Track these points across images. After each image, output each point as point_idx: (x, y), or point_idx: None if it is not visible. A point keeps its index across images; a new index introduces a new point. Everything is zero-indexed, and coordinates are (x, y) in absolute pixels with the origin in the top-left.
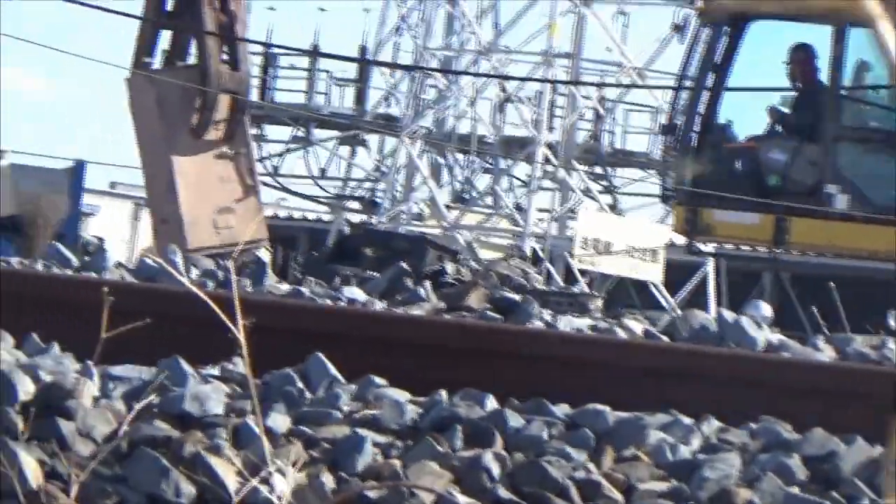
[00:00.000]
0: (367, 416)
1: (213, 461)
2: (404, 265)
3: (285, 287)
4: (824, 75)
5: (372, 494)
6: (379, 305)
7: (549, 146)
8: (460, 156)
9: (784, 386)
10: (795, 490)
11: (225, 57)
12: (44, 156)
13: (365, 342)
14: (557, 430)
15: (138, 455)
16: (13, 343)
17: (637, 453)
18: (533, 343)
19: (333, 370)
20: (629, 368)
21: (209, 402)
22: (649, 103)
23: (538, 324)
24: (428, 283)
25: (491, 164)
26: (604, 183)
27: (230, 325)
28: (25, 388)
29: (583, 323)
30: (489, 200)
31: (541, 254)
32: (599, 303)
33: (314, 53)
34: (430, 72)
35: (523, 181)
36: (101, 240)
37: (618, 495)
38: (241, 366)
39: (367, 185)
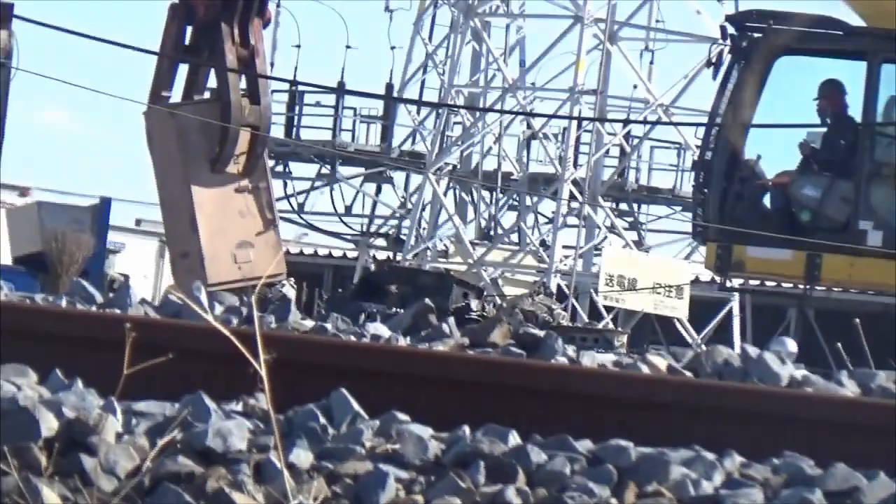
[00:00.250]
0: (389, 451)
1: (236, 497)
2: (429, 302)
3: (309, 323)
4: (854, 111)
5: None
6: (403, 342)
7: (575, 183)
8: (486, 192)
9: (807, 421)
10: None
11: (244, 89)
12: (70, 193)
13: (388, 378)
14: (580, 466)
15: (161, 491)
16: (36, 379)
17: (659, 489)
18: (556, 379)
19: (356, 406)
20: (653, 404)
21: (232, 438)
22: (675, 140)
23: (562, 360)
24: (452, 320)
25: (516, 200)
26: (629, 219)
27: (252, 360)
28: (48, 424)
29: (607, 359)
30: (514, 237)
31: (566, 290)
32: (624, 339)
33: (340, 91)
34: (455, 109)
35: (549, 218)
36: (126, 276)
37: None
38: (263, 401)
39: (393, 221)
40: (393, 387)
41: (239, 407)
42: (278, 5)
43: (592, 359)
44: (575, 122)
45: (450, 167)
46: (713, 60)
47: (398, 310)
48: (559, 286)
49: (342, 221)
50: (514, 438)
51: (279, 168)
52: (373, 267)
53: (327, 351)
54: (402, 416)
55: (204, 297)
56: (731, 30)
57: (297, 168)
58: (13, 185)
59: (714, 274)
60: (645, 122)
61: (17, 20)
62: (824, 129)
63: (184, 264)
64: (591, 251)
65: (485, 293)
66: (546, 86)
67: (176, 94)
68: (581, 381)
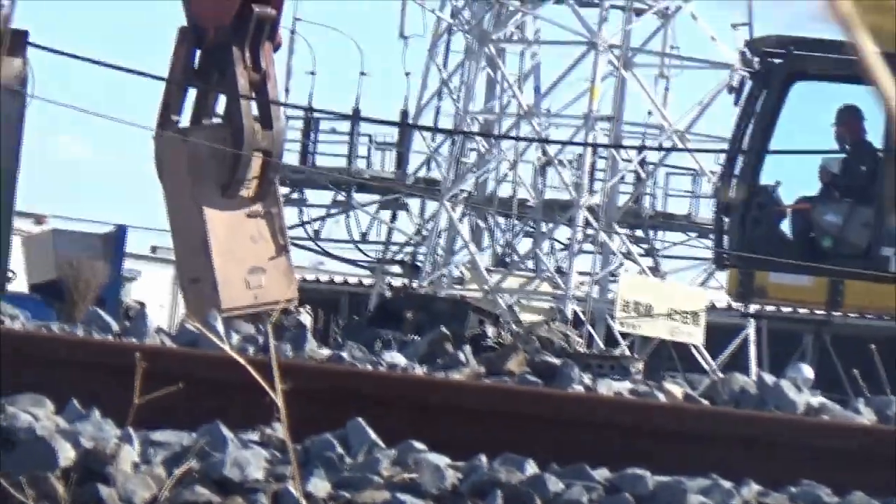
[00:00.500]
0: (406, 480)
1: None
2: (445, 330)
3: (326, 352)
4: (872, 136)
5: None
6: (419, 370)
7: (591, 209)
8: (501, 219)
9: (823, 449)
10: None
11: (256, 114)
12: (85, 221)
13: (405, 407)
14: (597, 495)
15: None
16: (53, 409)
17: None
18: (572, 407)
19: (373, 435)
20: (669, 433)
21: (249, 468)
22: (690, 166)
23: (578, 388)
24: (468, 348)
25: (532, 227)
26: (645, 246)
27: (268, 389)
28: (66, 454)
29: (623, 386)
30: (530, 264)
31: (582, 317)
32: (640, 366)
33: (355, 118)
34: (471, 135)
35: (564, 244)
36: (142, 304)
37: None
38: (280, 431)
39: (408, 248)
40: (410, 416)
41: (256, 436)
42: (293, 32)
43: (609, 387)
44: (590, 149)
45: (465, 194)
46: (734, 86)
47: (414, 337)
48: (575, 313)
49: (358, 248)
50: (532, 467)
51: (294, 195)
52: (388, 294)
53: (344, 380)
54: (419, 445)
55: (220, 326)
56: (750, 55)
57: (312, 195)
58: (29, 212)
59: (735, 300)
60: (660, 148)
61: (32, 48)
62: (842, 156)
63: (195, 290)
64: (607, 277)
65: (501, 320)
66: (561, 112)
67: (183, 118)
68: (597, 409)
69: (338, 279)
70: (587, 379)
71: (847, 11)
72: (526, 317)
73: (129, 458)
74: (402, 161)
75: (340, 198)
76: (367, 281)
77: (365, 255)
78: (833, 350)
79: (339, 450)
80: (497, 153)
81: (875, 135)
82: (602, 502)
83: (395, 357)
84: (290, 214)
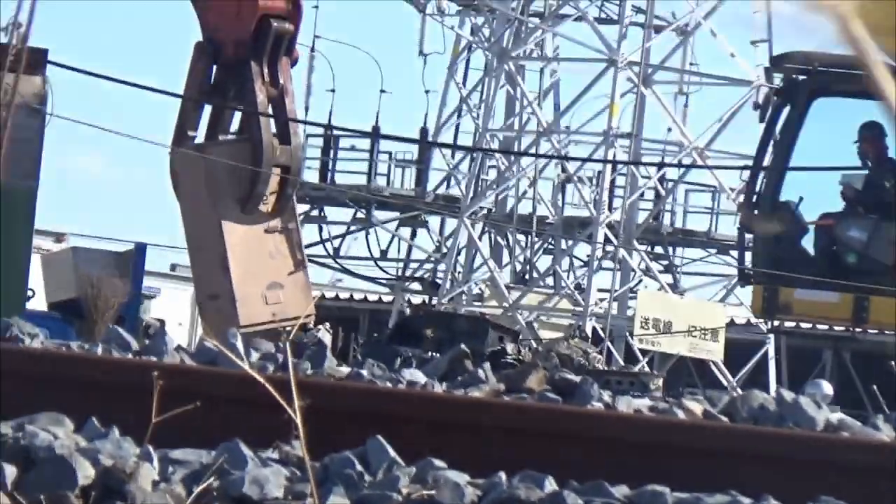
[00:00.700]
0: (425, 497)
1: None
2: (464, 347)
3: (345, 369)
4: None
5: None
6: (439, 388)
7: (610, 226)
8: (521, 236)
9: (842, 466)
10: None
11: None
12: (105, 238)
13: (425, 425)
14: None
15: None
16: (73, 427)
17: None
18: (591, 424)
19: (392, 452)
20: (689, 450)
21: (269, 486)
22: (710, 183)
23: (598, 405)
24: (487, 365)
25: (551, 244)
26: (664, 262)
27: (286, 407)
28: (85, 472)
29: (642, 403)
30: (550, 280)
31: (601, 334)
32: (660, 382)
33: (375, 135)
34: (490, 153)
35: (584, 261)
36: (161, 322)
37: None
38: (300, 448)
39: (428, 265)
40: (429, 433)
41: (275, 454)
42: (312, 50)
43: (628, 404)
44: (609, 166)
45: (485, 211)
46: (760, 103)
47: (434, 354)
48: (594, 329)
49: (377, 266)
50: (551, 484)
51: (314, 213)
52: (408, 311)
53: (363, 398)
54: (439, 463)
55: (240, 344)
56: (774, 72)
57: (332, 212)
58: (48, 230)
59: (760, 316)
60: (680, 165)
61: (52, 66)
62: (865, 172)
63: (213, 306)
64: (627, 294)
65: (520, 337)
66: (580, 129)
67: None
68: (617, 426)
69: (357, 296)
70: (607, 396)
71: (860, 34)
72: (545, 334)
73: (148, 477)
74: (421, 178)
75: (360, 215)
76: (386, 298)
77: (385, 272)
78: (852, 366)
79: (359, 467)
80: (517, 170)
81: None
82: None
83: (415, 374)
84: (309, 232)
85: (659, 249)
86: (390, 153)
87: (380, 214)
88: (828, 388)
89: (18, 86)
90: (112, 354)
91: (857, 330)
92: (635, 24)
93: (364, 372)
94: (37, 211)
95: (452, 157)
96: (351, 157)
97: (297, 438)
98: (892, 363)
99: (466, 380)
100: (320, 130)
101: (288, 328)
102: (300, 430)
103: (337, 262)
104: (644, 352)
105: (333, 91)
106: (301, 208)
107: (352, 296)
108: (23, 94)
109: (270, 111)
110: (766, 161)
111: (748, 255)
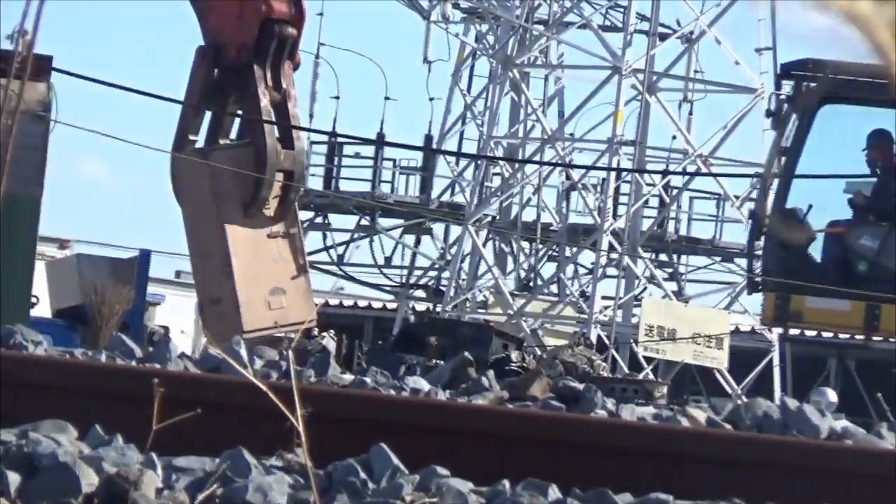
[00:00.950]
0: None
1: None
2: (468, 355)
3: (349, 377)
4: None
5: None
6: (442, 395)
7: (614, 233)
8: (525, 243)
9: (846, 473)
10: None
11: (277, 133)
12: (109, 245)
13: (428, 432)
14: None
15: None
16: (76, 434)
17: None
18: (595, 432)
19: (396, 460)
20: (693, 458)
21: (272, 493)
22: (714, 190)
23: (602, 413)
24: (491, 373)
25: (556, 251)
26: (669, 270)
27: (289, 415)
28: (88, 480)
29: (646, 411)
30: (554, 288)
31: (606, 341)
32: (664, 390)
33: (379, 142)
34: (494, 160)
35: (588, 268)
36: (166, 329)
37: None
38: (303, 456)
39: (432, 273)
40: (433, 441)
41: (279, 462)
42: (317, 57)
43: (632, 412)
44: (614, 173)
45: (489, 218)
46: (772, 110)
47: (438, 361)
48: (599, 337)
49: (382, 273)
50: (555, 492)
51: (319, 220)
52: (412, 318)
53: (367, 405)
54: (442, 471)
55: (244, 352)
56: (784, 79)
57: (336, 220)
58: (53, 237)
59: (771, 325)
60: (684, 172)
61: (56, 73)
62: (870, 180)
63: (215, 310)
64: (631, 302)
65: (524, 344)
66: (585, 136)
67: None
68: (621, 434)
69: (362, 304)
70: (611, 404)
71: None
72: (550, 341)
73: (152, 484)
74: (426, 185)
75: (365, 222)
76: (390, 305)
77: (389, 279)
78: (857, 374)
79: (363, 475)
80: (521, 178)
81: None
82: None
83: (419, 382)
84: (314, 239)
85: (663, 257)
86: (394, 160)
87: (384, 222)
88: (832, 396)
89: (23, 93)
90: (116, 362)
91: (865, 338)
92: (640, 32)
93: (368, 379)
94: (41, 218)
95: (457, 164)
96: (355, 164)
97: (299, 446)
98: (895, 370)
99: (470, 387)
100: (325, 138)
101: (290, 335)
102: (303, 437)
103: (341, 270)
104: (648, 359)
105: (338, 98)
106: (305, 215)
107: (356, 303)
108: (27, 100)
109: (273, 115)
110: (777, 168)
111: (756, 263)
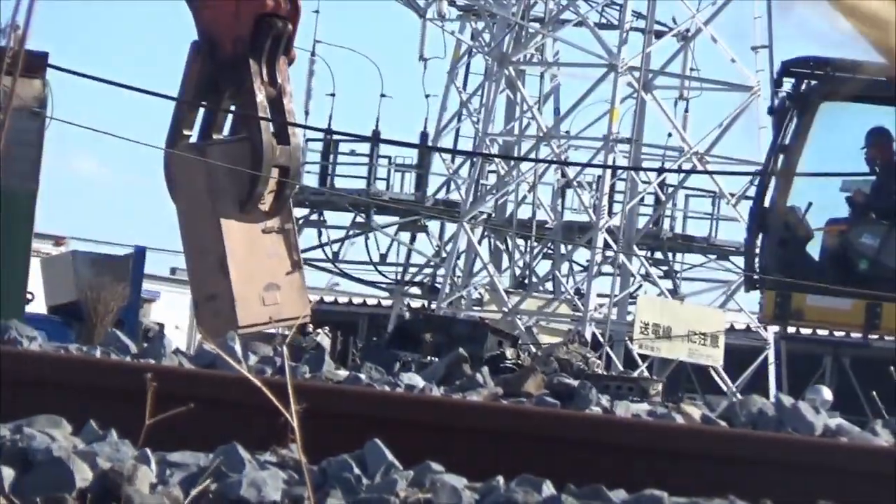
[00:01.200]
0: (423, 501)
1: None
2: (463, 351)
3: (343, 373)
4: None
5: None
6: (437, 392)
7: (610, 231)
8: (520, 241)
9: (840, 470)
10: None
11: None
12: (104, 242)
13: (423, 428)
14: None
15: None
16: (71, 430)
17: None
18: (590, 429)
19: (390, 456)
20: (686, 454)
21: (266, 489)
22: (710, 188)
23: (596, 410)
24: (486, 369)
25: (551, 249)
26: (664, 268)
27: (283, 410)
28: (83, 475)
29: (641, 408)
30: (549, 285)
31: (601, 339)
32: (659, 387)
33: (375, 139)
34: (490, 157)
35: (583, 266)
36: (161, 326)
37: None
38: (297, 452)
39: (427, 270)
40: (427, 437)
41: (273, 458)
42: (313, 54)
43: (627, 409)
44: (609, 171)
45: (484, 216)
46: (774, 107)
47: (433, 358)
48: (594, 334)
49: (377, 270)
50: (549, 488)
51: (314, 217)
52: (407, 315)
53: (361, 401)
54: (437, 467)
55: (238, 348)
56: (784, 77)
57: (331, 217)
58: (48, 234)
59: (772, 323)
60: (679, 170)
61: (52, 69)
62: (868, 178)
63: (210, 307)
64: (626, 299)
65: (519, 342)
66: (580, 134)
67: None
68: (615, 431)
69: (356, 301)
70: (605, 401)
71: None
72: (545, 338)
73: (146, 479)
74: (421, 183)
75: (360, 219)
76: (385, 302)
77: (384, 276)
78: (852, 372)
79: (357, 471)
80: (516, 175)
81: None
82: None
83: (414, 378)
84: (309, 236)
85: (659, 255)
86: (390, 157)
87: (379, 219)
88: (827, 393)
89: (19, 89)
90: (111, 357)
91: (864, 336)
92: (636, 30)
93: (362, 376)
94: (36, 214)
95: (452, 161)
96: (351, 161)
97: (293, 442)
98: (892, 368)
99: (465, 384)
100: (320, 135)
101: (284, 330)
102: (297, 433)
103: (336, 267)
104: (643, 357)
105: (333, 95)
106: (301, 212)
107: (351, 300)
108: (23, 97)
109: (269, 111)
110: (777, 166)
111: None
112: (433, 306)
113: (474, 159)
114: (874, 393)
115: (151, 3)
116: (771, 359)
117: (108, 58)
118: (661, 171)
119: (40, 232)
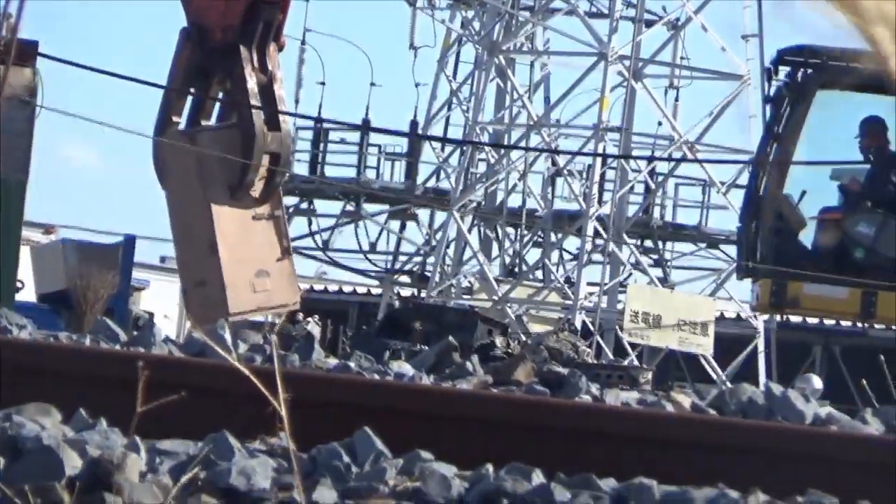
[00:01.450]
0: (412, 489)
1: None
2: (452, 340)
3: (333, 361)
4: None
5: None
6: (427, 380)
7: (600, 220)
8: (510, 229)
9: (830, 459)
10: None
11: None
12: (94, 231)
13: (412, 417)
14: None
15: None
16: (60, 418)
17: None
18: (579, 417)
19: (380, 444)
20: (676, 443)
21: (256, 477)
22: (700, 176)
23: (586, 398)
24: (475, 358)
25: (541, 237)
26: (654, 256)
27: (271, 399)
28: (72, 463)
29: (631, 396)
30: (539, 274)
31: (591, 327)
32: (649, 376)
33: (365, 128)
34: (480, 146)
35: (573, 255)
36: (150, 314)
37: None
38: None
39: (417, 258)
40: (417, 425)
41: (262, 446)
42: (303, 43)
43: (617, 397)
44: (600, 159)
45: (474, 204)
46: (771, 96)
47: (422, 347)
48: (584, 323)
49: (367, 258)
50: (538, 477)
51: (304, 205)
52: (397, 304)
53: (351, 390)
54: (426, 455)
55: (228, 336)
56: (779, 66)
57: (321, 205)
58: (38, 222)
59: (767, 311)
60: (670, 158)
61: (42, 58)
62: (858, 167)
63: (199, 293)
64: (616, 288)
65: (509, 330)
66: (571, 123)
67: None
68: (605, 419)
69: (346, 289)
70: (595, 389)
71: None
72: (535, 327)
73: (135, 467)
74: (411, 171)
75: (350, 208)
76: (375, 291)
77: (374, 265)
78: (842, 361)
79: (346, 459)
80: (506, 164)
81: None
82: None
83: (403, 367)
84: (299, 224)
85: (649, 243)
86: (380, 146)
87: (369, 207)
88: (817, 382)
89: (9, 78)
90: (100, 346)
91: (857, 324)
92: (626, 18)
93: (352, 364)
94: (26, 203)
95: (442, 150)
96: (341, 149)
97: (283, 430)
98: (881, 357)
99: (454, 372)
100: (310, 123)
101: (274, 317)
102: (285, 421)
103: (326, 255)
104: (633, 345)
105: (323, 84)
106: (290, 201)
107: (341, 288)
108: (13, 86)
109: (260, 97)
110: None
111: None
112: (423, 295)
113: (464, 148)
114: (864, 381)
115: (154, 4)
116: (761, 347)
117: (108, 57)
118: (651, 159)
119: (30, 220)
